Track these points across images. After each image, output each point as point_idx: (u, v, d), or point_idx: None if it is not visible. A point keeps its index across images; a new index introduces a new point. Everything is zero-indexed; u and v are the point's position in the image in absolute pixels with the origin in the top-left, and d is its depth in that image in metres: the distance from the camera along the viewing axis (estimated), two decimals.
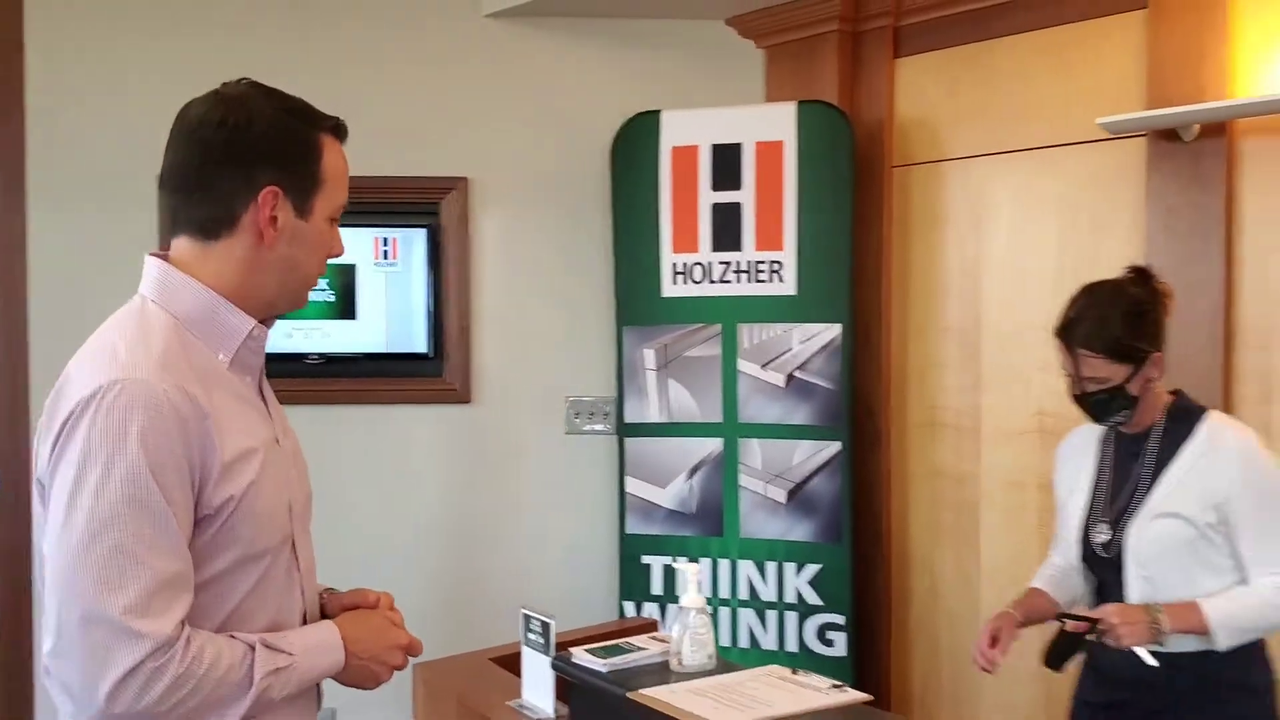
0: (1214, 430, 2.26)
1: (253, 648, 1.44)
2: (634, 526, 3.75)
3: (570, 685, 2.22)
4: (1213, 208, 3.02)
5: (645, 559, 3.74)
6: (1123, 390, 2.23)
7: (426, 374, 3.84)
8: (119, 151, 3.68)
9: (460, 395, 3.85)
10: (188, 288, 1.50)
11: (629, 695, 1.97)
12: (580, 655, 2.17)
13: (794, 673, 2.08)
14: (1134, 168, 3.17)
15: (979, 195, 3.53)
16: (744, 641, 3.66)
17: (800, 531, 3.62)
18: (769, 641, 3.64)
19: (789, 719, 1.83)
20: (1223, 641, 2.13)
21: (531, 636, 2.34)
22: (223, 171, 1.50)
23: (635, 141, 3.71)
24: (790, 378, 3.63)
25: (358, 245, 3.71)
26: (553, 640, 2.28)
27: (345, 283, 3.75)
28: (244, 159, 1.50)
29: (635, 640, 2.24)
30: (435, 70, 3.85)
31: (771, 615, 3.65)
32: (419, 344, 3.81)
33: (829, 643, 3.59)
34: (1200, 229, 3.04)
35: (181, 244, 1.53)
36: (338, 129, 1.59)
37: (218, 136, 1.50)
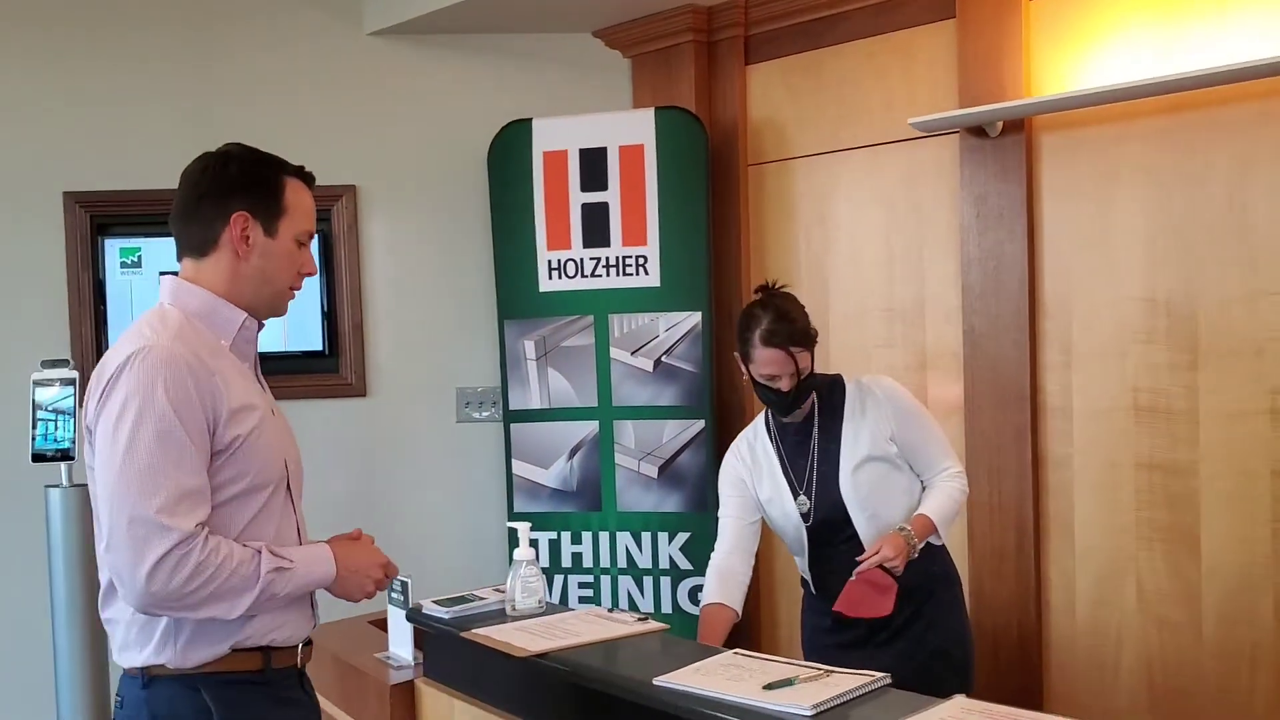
0: (857, 385, 2.72)
1: (259, 551, 1.83)
2: (521, 505, 4.06)
3: (426, 635, 2.52)
4: (1016, 195, 3.37)
5: (532, 535, 4.01)
6: (810, 376, 2.64)
7: (323, 370, 4.12)
8: (20, 170, 3.93)
9: (355, 389, 4.13)
10: (193, 291, 1.92)
11: (462, 634, 2.27)
12: (429, 606, 2.47)
13: (609, 611, 2.39)
14: (949, 161, 3.52)
15: (822, 190, 3.87)
16: (624, 606, 3.97)
17: (671, 503, 3.94)
18: (646, 605, 3.96)
19: (587, 645, 2.13)
20: (943, 535, 2.63)
21: (394, 595, 2.64)
22: (205, 203, 1.91)
23: (509, 147, 4.01)
24: (658, 363, 3.95)
25: None
26: (410, 597, 2.58)
27: None
28: (220, 192, 1.91)
29: (478, 592, 2.54)
30: (323, 86, 4.13)
31: (648, 581, 3.97)
32: (314, 342, 4.08)
33: (699, 602, 3.90)
34: (1007, 214, 3.40)
35: (186, 264, 1.96)
36: (302, 173, 1.99)
37: (202, 178, 1.93)
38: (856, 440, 2.65)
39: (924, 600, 2.68)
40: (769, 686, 1.82)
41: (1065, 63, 3.29)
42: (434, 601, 2.48)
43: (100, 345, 4.09)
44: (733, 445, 2.87)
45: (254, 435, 1.86)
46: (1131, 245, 3.20)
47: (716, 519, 3.92)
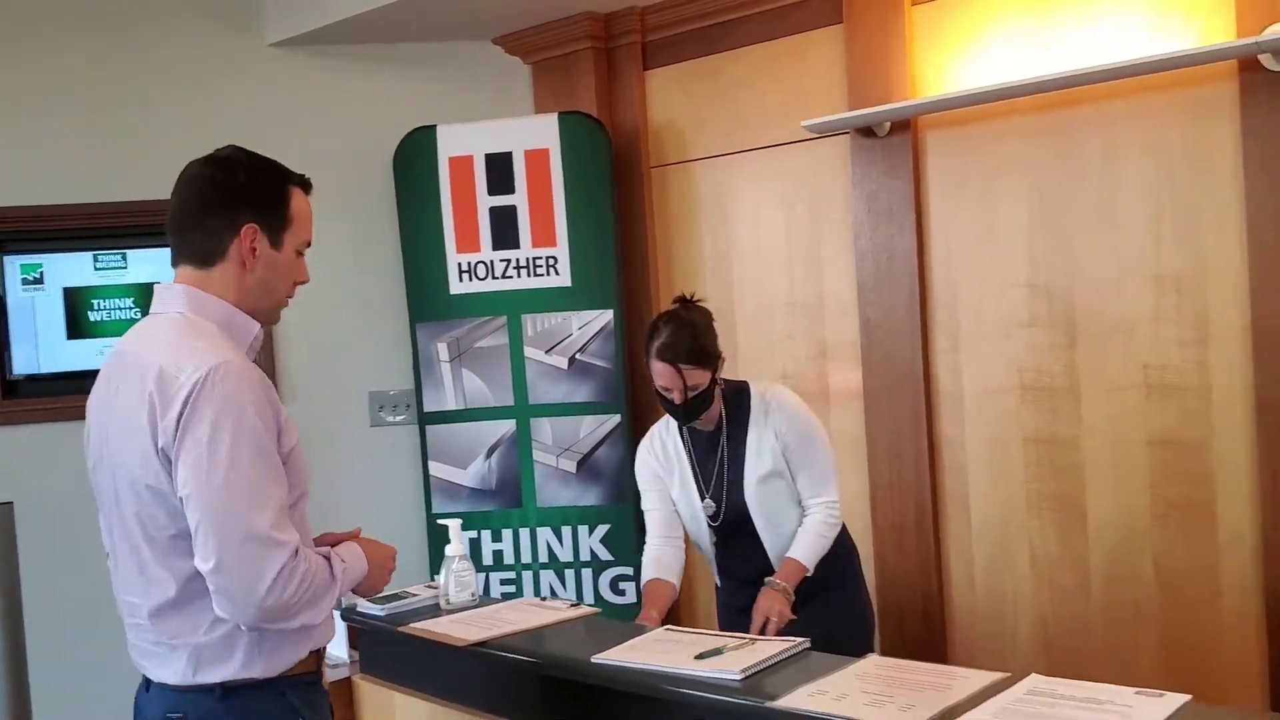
0: (761, 395, 2.84)
1: (328, 556, 1.87)
2: (440, 506, 4.12)
3: (360, 633, 2.59)
4: (904, 191, 3.57)
5: None
6: (709, 391, 2.74)
7: None
8: None
9: None
10: (212, 302, 1.88)
11: (399, 630, 2.36)
12: (364, 605, 2.54)
13: (543, 600, 2.50)
14: (841, 161, 3.70)
15: (723, 190, 4.03)
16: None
17: (590, 497, 4.06)
18: (569, 597, 4.06)
19: (523, 632, 2.24)
20: (812, 570, 2.74)
21: None
22: (213, 213, 1.88)
23: (415, 154, 4.08)
24: (572, 360, 4.06)
25: (157, 262, 3.96)
26: (343, 598, 2.64)
27: (150, 298, 4.00)
28: (230, 204, 1.88)
29: (410, 589, 2.62)
30: (226, 97, 4.13)
31: (570, 573, 4.08)
32: None
33: (621, 592, 4.04)
34: (896, 209, 3.59)
35: (185, 271, 1.91)
36: (303, 182, 1.97)
37: (210, 187, 1.89)
38: (760, 451, 2.78)
39: (823, 576, 2.82)
40: (700, 656, 1.95)
41: (947, 64, 3.49)
42: (369, 600, 2.55)
43: (3, 362, 4.03)
44: (645, 439, 2.99)
45: (298, 445, 1.88)
46: (1013, 235, 3.42)
47: (636, 509, 4.06)
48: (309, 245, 1.99)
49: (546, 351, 4.07)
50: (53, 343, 4.09)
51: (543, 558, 4.10)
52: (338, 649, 2.69)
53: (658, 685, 1.90)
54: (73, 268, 4.11)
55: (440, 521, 2.66)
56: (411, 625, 2.36)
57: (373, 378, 4.28)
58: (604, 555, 4.05)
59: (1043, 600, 3.44)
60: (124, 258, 4.15)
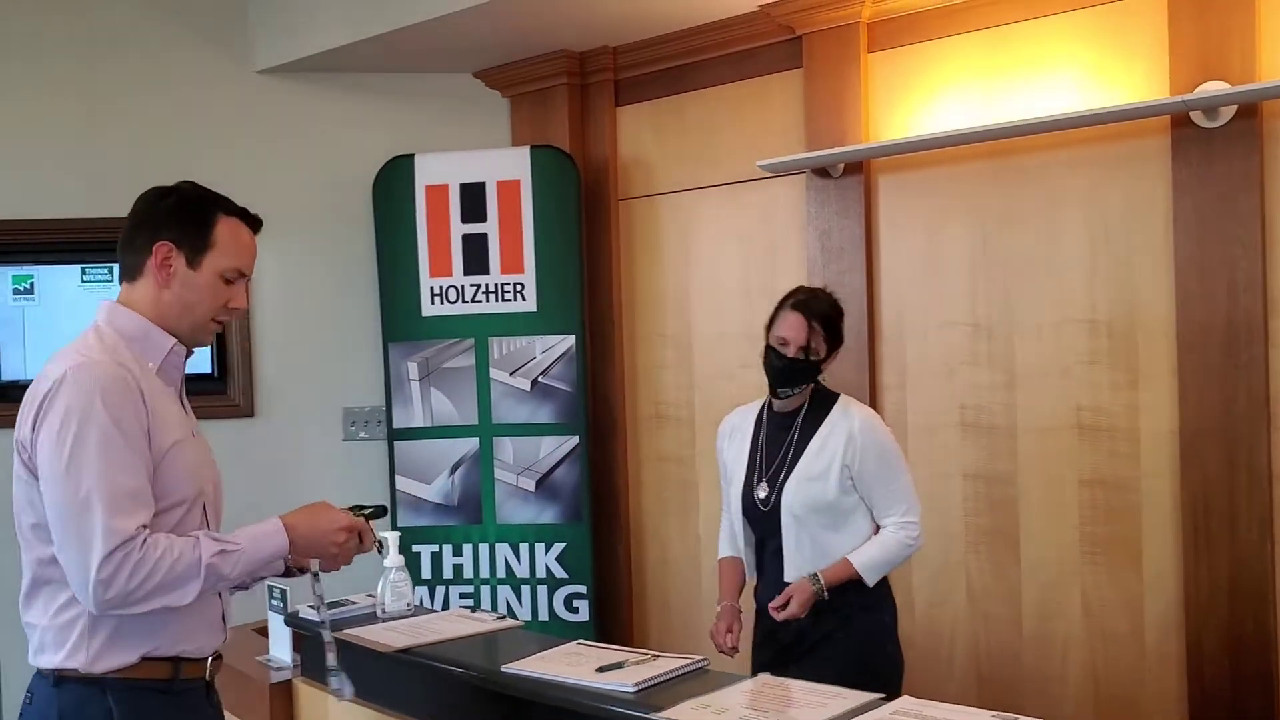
0: (844, 409, 2.87)
1: (198, 538, 1.89)
2: (405, 520, 4.26)
3: (303, 638, 2.72)
4: (856, 230, 3.70)
5: (415, 548, 4.24)
6: (819, 366, 2.78)
7: (212, 392, 4.27)
8: None
9: (244, 410, 4.30)
10: (126, 314, 2.01)
11: (335, 635, 2.48)
12: (305, 611, 2.67)
13: (471, 612, 2.62)
14: (797, 199, 3.84)
15: (686, 223, 4.17)
16: (503, 613, 4.18)
17: (548, 515, 4.19)
18: (524, 613, 4.18)
19: (447, 641, 2.36)
20: (871, 580, 2.72)
21: (273, 602, 2.84)
22: (138, 232, 2.02)
23: (393, 181, 4.23)
24: (535, 382, 4.20)
25: None
26: (289, 603, 2.78)
27: None
28: (154, 223, 2.01)
29: (351, 597, 2.75)
30: (214, 120, 4.30)
31: (525, 590, 4.21)
32: (204, 365, 4.24)
33: (574, 610, 4.16)
34: (848, 247, 3.73)
35: (121, 287, 2.06)
36: (244, 214, 2.09)
37: (142, 207, 2.04)
38: (817, 454, 2.78)
39: (841, 622, 2.76)
40: (601, 669, 2.07)
41: (900, 111, 3.63)
42: (309, 606, 2.68)
43: None
44: (727, 418, 3.03)
45: (171, 454, 1.92)
46: (957, 276, 3.55)
47: (592, 529, 4.21)
48: (242, 275, 2.06)
49: (511, 373, 4.21)
50: (42, 352, 4.24)
51: (500, 573, 4.23)
52: (281, 652, 2.81)
53: (558, 695, 2.02)
54: (64, 278, 4.27)
55: (381, 535, 2.77)
56: (347, 631, 2.49)
57: (346, 394, 4.42)
58: (559, 573, 4.17)
59: (977, 631, 3.55)
60: (110, 271, 4.30)
